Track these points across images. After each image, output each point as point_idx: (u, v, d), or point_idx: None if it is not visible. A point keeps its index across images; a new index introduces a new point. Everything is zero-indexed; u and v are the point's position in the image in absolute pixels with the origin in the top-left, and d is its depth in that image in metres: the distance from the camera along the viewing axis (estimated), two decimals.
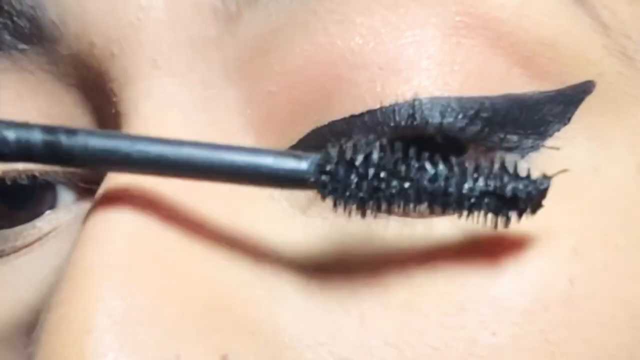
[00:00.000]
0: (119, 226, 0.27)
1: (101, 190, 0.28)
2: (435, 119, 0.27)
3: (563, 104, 0.29)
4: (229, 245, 0.28)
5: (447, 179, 0.26)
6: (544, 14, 0.29)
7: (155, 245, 0.27)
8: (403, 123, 0.27)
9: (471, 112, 0.28)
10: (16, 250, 0.31)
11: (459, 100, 0.28)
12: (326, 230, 0.28)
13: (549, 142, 0.28)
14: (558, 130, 0.28)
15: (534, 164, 0.28)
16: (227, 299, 0.27)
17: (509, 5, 0.28)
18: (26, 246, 0.31)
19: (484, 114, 0.28)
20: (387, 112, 0.28)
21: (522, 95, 0.28)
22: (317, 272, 0.28)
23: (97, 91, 0.30)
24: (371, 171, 0.26)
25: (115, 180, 0.28)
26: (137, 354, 0.25)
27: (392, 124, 0.27)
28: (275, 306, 0.27)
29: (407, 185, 0.26)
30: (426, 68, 0.28)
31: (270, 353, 0.27)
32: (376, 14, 0.28)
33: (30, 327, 0.29)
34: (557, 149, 0.28)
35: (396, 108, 0.27)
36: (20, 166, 0.30)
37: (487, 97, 0.28)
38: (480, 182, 0.26)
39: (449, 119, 0.27)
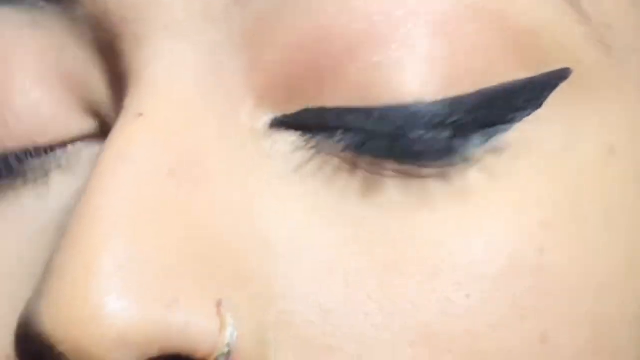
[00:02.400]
0: (128, 173, 0.29)
1: (112, 135, 0.30)
2: (411, 131, 0.30)
3: (537, 90, 0.31)
4: (228, 199, 0.30)
5: None
6: (530, 2, 0.31)
7: (160, 194, 0.29)
8: (386, 130, 0.30)
9: (437, 119, 0.30)
10: (32, 182, 0.33)
11: (432, 105, 0.30)
12: (317, 189, 0.30)
13: (518, 125, 0.31)
14: (529, 114, 0.31)
15: (504, 141, 0.30)
16: (224, 249, 0.29)
17: None
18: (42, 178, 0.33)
19: (453, 118, 0.30)
20: (376, 114, 0.30)
21: (495, 89, 0.30)
22: (307, 230, 0.30)
23: (111, 51, 0.31)
24: None
25: (127, 126, 0.30)
26: (139, 295, 0.27)
27: (376, 128, 0.30)
28: (267, 259, 0.29)
29: None
30: (417, 61, 0.30)
31: (262, 301, 0.29)
32: (375, 2, 0.30)
33: (32, 261, 0.31)
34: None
35: (380, 111, 0.30)
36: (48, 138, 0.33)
37: (460, 98, 0.30)
38: None
39: (419, 132, 0.30)
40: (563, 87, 0.31)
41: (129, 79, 0.31)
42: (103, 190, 0.29)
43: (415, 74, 0.30)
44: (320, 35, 0.30)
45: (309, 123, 0.30)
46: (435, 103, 0.30)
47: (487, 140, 0.30)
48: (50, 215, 0.32)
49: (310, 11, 0.30)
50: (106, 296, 0.27)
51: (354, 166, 0.30)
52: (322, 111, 0.30)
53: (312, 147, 0.30)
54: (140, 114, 0.30)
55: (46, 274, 0.28)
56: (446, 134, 0.30)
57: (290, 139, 0.31)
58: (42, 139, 0.33)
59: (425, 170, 0.30)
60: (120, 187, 0.29)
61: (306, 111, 0.30)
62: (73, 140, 0.33)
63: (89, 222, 0.28)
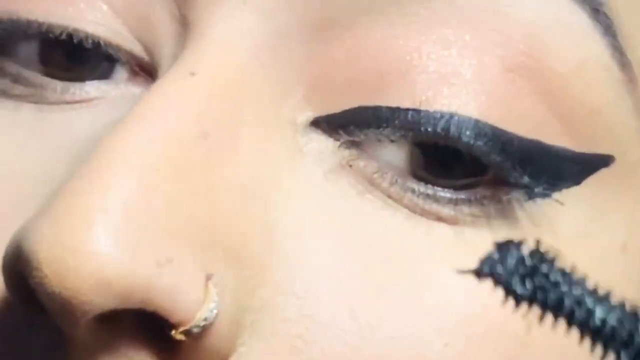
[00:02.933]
0: (162, 125, 0.29)
1: (159, 84, 0.30)
2: (468, 137, 0.30)
3: (581, 167, 0.31)
4: (249, 178, 0.30)
5: None
6: (596, 81, 0.31)
7: (187, 153, 0.29)
8: (439, 130, 0.30)
9: (500, 144, 0.30)
10: (60, 102, 0.33)
11: (494, 129, 0.30)
12: (337, 199, 0.30)
13: (557, 195, 0.31)
14: (568, 187, 0.31)
15: (534, 209, 0.31)
16: (229, 225, 0.29)
17: (570, 62, 0.31)
18: (68, 102, 0.33)
19: (511, 149, 0.30)
20: (430, 115, 0.30)
21: (549, 146, 0.31)
22: (314, 234, 0.30)
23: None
24: None
25: (176, 81, 0.30)
26: (137, 244, 0.27)
27: (429, 128, 0.30)
28: (267, 249, 0.29)
29: None
30: (477, 91, 0.30)
31: (250, 285, 0.29)
32: (452, 27, 0.30)
33: (50, 181, 0.31)
34: (562, 204, 0.31)
35: (438, 115, 0.30)
36: (90, 29, 0.32)
37: (519, 137, 0.30)
38: None
39: (479, 142, 0.30)
40: (604, 172, 0.31)
41: (192, 34, 0.31)
42: (133, 132, 0.28)
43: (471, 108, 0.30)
44: (393, 45, 0.30)
45: (355, 124, 0.30)
46: (486, 125, 0.30)
47: (525, 198, 0.30)
48: (77, 141, 0.32)
49: (390, 21, 0.30)
50: (104, 234, 0.27)
51: (377, 185, 0.30)
52: (377, 110, 0.30)
53: (347, 156, 0.31)
54: (193, 73, 0.30)
55: (53, 196, 0.28)
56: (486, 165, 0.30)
57: (327, 141, 0.31)
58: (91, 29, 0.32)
59: (442, 195, 0.30)
60: (151, 135, 0.28)
61: (357, 110, 0.30)
62: (115, 59, 0.33)
63: (109, 157, 0.28)
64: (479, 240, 0.30)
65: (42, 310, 0.28)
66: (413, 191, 0.30)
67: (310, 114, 0.31)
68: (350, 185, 0.31)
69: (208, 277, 0.28)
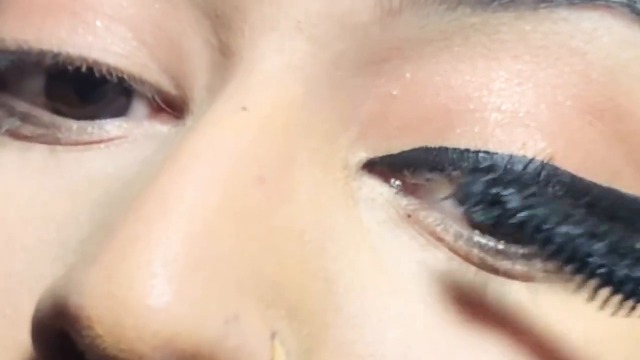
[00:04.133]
0: (218, 167, 0.26)
1: (207, 121, 0.27)
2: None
3: None
4: (306, 226, 0.27)
5: None
6: None
7: (246, 199, 0.26)
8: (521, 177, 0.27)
9: (579, 194, 0.28)
10: (76, 144, 0.30)
11: (573, 177, 0.28)
12: (395, 252, 0.28)
13: None
14: None
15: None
16: (291, 279, 0.26)
17: None
18: (86, 143, 0.30)
19: (587, 199, 0.28)
20: (505, 160, 0.27)
21: (627, 194, 0.28)
22: (375, 290, 0.27)
23: (224, 24, 0.29)
24: None
25: (227, 116, 0.27)
26: (203, 301, 0.24)
27: (509, 176, 0.27)
28: (329, 305, 0.27)
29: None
30: (555, 134, 0.28)
31: (309, 347, 0.26)
32: (525, 62, 0.28)
33: (72, 226, 0.28)
34: None
35: (514, 159, 0.27)
36: (112, 61, 0.29)
37: (598, 186, 0.28)
38: None
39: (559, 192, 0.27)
40: None
41: (237, 67, 0.28)
42: (190, 172, 0.25)
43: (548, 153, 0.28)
44: (459, 81, 0.28)
45: (416, 167, 0.28)
46: (565, 173, 0.28)
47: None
48: (98, 182, 0.29)
49: (454, 54, 0.28)
50: (167, 287, 0.24)
51: (441, 239, 0.28)
52: (442, 151, 0.28)
53: (405, 205, 0.28)
54: (245, 108, 0.27)
55: (102, 243, 0.25)
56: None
57: (381, 188, 0.28)
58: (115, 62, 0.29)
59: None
60: (210, 176, 0.26)
61: (419, 151, 0.28)
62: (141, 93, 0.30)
63: (166, 199, 0.25)
64: (554, 298, 0.28)
65: None
66: (481, 247, 0.28)
67: (363, 155, 0.28)
68: (410, 238, 0.28)
69: (273, 336, 0.25)
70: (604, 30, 0.28)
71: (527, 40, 0.28)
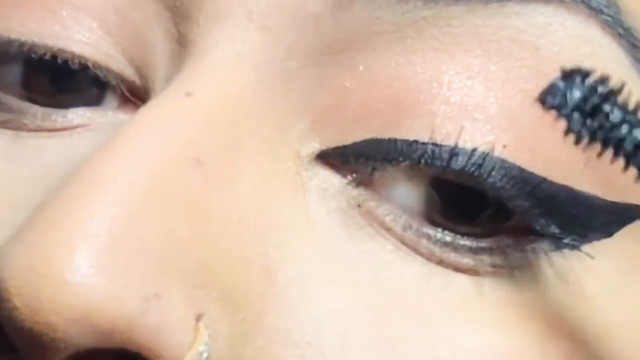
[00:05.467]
0: (153, 149, 0.26)
1: (151, 105, 0.27)
2: (494, 178, 0.27)
3: (614, 217, 0.28)
4: (246, 213, 0.27)
5: None
6: None
7: (179, 181, 0.26)
8: (465, 168, 0.27)
9: (529, 187, 0.27)
10: (39, 129, 0.30)
11: (522, 171, 0.27)
12: (342, 240, 0.28)
13: (586, 247, 0.28)
14: (598, 239, 0.28)
15: (561, 260, 0.28)
16: (225, 263, 0.26)
17: None
18: (50, 130, 0.30)
19: (539, 194, 0.27)
20: (453, 152, 0.27)
21: (580, 193, 0.28)
22: (317, 278, 0.27)
23: (182, 14, 0.29)
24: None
25: (170, 101, 0.27)
26: (122, 277, 0.24)
27: (453, 166, 0.27)
28: (266, 291, 0.27)
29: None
30: (503, 128, 0.28)
31: (244, 330, 0.26)
32: (475, 56, 0.28)
33: (25, 211, 0.28)
34: (592, 257, 0.28)
35: (460, 151, 0.27)
36: (77, 49, 0.30)
37: (548, 181, 0.27)
38: None
39: (505, 184, 0.27)
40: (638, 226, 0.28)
41: (190, 56, 0.28)
42: (121, 154, 0.26)
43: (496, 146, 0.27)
44: (411, 73, 0.28)
45: (366, 158, 0.28)
46: (513, 166, 0.27)
47: (552, 249, 0.28)
48: (55, 168, 0.29)
49: (406, 46, 0.28)
50: (86, 262, 0.24)
51: (389, 229, 0.28)
52: (391, 142, 0.28)
53: (356, 195, 0.28)
54: (190, 94, 0.27)
55: (29, 220, 0.25)
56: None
57: (333, 177, 0.28)
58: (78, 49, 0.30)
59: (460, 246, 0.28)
60: (141, 158, 0.26)
61: (369, 142, 0.28)
62: (104, 80, 0.30)
63: (94, 180, 0.25)
64: (500, 293, 0.28)
65: (12, 349, 0.25)
66: (429, 238, 0.28)
67: (316, 146, 0.28)
68: (359, 228, 0.28)
69: (198, 318, 0.25)
70: (557, 25, 0.28)
71: (478, 34, 0.28)
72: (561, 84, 0.24)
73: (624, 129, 0.24)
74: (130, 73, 0.30)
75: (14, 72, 0.31)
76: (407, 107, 0.28)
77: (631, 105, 0.24)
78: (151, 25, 0.30)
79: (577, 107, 0.24)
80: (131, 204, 0.25)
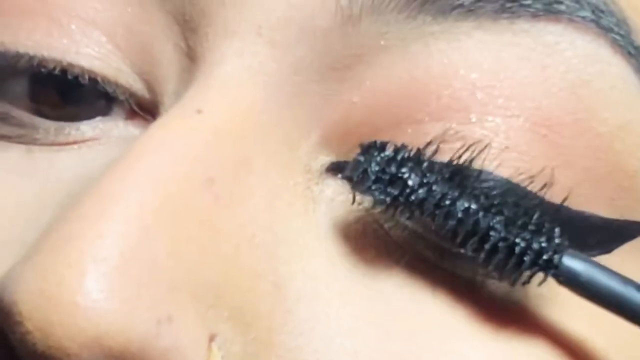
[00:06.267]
0: (165, 168, 0.26)
1: (162, 122, 0.27)
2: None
3: (613, 234, 0.29)
4: (257, 231, 0.27)
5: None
6: (638, 145, 0.29)
7: (191, 201, 0.26)
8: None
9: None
10: (52, 144, 0.30)
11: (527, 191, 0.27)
12: (352, 256, 0.28)
13: None
14: (596, 256, 0.28)
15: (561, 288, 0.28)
16: (236, 282, 0.26)
17: (611, 122, 0.28)
18: (62, 144, 0.30)
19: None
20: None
21: (578, 212, 0.28)
22: (328, 295, 0.27)
23: (191, 28, 0.29)
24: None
25: (180, 119, 0.27)
26: (133, 299, 0.24)
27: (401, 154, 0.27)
28: (277, 309, 0.27)
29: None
30: (507, 147, 0.28)
31: (256, 349, 0.26)
32: (481, 72, 0.28)
33: (34, 227, 0.28)
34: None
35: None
36: (86, 63, 0.30)
37: (545, 202, 0.28)
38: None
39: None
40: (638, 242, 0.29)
41: (199, 70, 0.28)
42: (132, 173, 0.26)
43: (496, 159, 0.28)
44: (415, 88, 0.28)
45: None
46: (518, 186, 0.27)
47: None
48: (68, 183, 0.29)
49: (412, 62, 0.28)
50: (97, 286, 0.24)
51: (398, 244, 0.28)
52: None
53: (363, 207, 0.28)
54: (200, 111, 0.27)
55: (39, 241, 0.25)
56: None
57: (341, 190, 0.28)
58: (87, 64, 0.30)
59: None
60: (152, 177, 0.26)
61: None
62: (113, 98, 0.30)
63: (104, 199, 0.25)
64: (503, 304, 0.28)
65: None
66: (435, 249, 0.28)
67: (326, 159, 0.29)
68: (368, 250, 0.28)
69: (211, 338, 0.26)
70: (566, 44, 0.28)
71: (485, 50, 0.28)
72: (361, 159, 0.26)
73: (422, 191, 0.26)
74: (139, 87, 0.30)
75: (22, 85, 0.31)
76: (406, 123, 0.28)
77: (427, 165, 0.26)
78: (160, 40, 0.30)
79: (377, 179, 0.26)
80: (142, 224, 0.25)
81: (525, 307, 0.28)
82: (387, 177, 0.26)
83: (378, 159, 0.26)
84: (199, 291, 0.26)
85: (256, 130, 0.28)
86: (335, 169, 0.28)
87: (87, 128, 0.30)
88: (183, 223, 0.26)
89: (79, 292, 0.24)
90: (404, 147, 0.26)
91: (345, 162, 0.28)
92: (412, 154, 0.27)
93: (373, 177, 0.26)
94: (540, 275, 0.26)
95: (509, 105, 0.28)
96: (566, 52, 0.28)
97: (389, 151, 0.26)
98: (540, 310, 0.28)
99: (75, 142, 0.30)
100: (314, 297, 0.27)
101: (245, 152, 0.27)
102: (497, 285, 0.28)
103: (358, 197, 0.28)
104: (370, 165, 0.26)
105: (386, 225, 0.28)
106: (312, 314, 0.27)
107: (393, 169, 0.26)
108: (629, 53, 0.28)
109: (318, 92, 0.28)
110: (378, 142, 0.27)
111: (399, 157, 0.26)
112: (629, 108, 0.28)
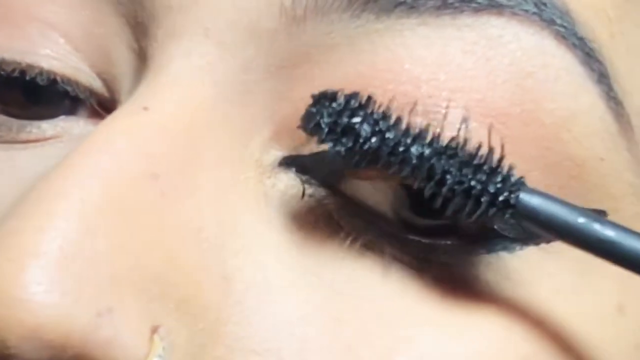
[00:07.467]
0: (109, 163, 0.26)
1: (108, 120, 0.28)
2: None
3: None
4: (204, 224, 0.27)
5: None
6: (587, 134, 0.29)
7: (135, 195, 0.26)
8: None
9: None
10: (13, 141, 0.31)
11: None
12: (302, 246, 0.28)
13: (531, 249, 0.29)
14: (548, 242, 0.29)
15: (517, 263, 0.28)
16: (181, 275, 0.27)
17: (558, 113, 0.28)
18: (23, 142, 0.31)
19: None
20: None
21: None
22: (276, 286, 0.28)
23: (142, 30, 0.30)
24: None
25: (127, 116, 0.27)
26: (73, 291, 0.25)
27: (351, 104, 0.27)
28: (224, 302, 0.27)
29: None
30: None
31: (202, 341, 0.26)
32: (426, 66, 0.28)
33: None
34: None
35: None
36: (45, 64, 0.30)
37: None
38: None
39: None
40: None
41: (149, 70, 0.29)
42: (74, 170, 0.26)
43: None
44: (361, 84, 0.28)
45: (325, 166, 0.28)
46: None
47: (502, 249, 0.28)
48: (25, 181, 0.29)
49: (359, 59, 0.28)
50: (36, 279, 0.24)
51: (349, 232, 0.28)
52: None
53: (315, 199, 0.28)
54: (146, 108, 0.28)
55: None
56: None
57: (293, 183, 0.29)
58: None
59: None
60: (94, 173, 0.26)
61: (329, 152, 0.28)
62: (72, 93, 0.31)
63: (46, 196, 0.26)
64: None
65: None
66: (389, 236, 0.28)
67: (278, 154, 0.29)
68: (318, 236, 0.28)
69: (154, 330, 0.26)
70: (510, 36, 0.28)
71: (430, 46, 0.28)
72: (313, 110, 0.27)
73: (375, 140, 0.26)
74: (99, 86, 0.31)
75: None
76: None
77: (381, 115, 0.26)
78: (115, 41, 0.30)
79: (330, 130, 0.26)
80: (83, 219, 0.25)
81: (477, 282, 0.28)
82: (339, 128, 0.26)
83: (330, 109, 0.26)
84: (142, 284, 0.26)
85: (205, 127, 0.28)
86: (289, 163, 0.29)
87: (48, 126, 0.31)
88: (126, 218, 0.26)
89: (17, 285, 0.24)
90: (355, 94, 0.27)
91: (297, 156, 0.29)
92: (363, 100, 0.27)
93: (326, 129, 0.26)
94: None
95: (454, 97, 0.28)
96: (510, 44, 0.28)
97: (340, 100, 0.27)
98: (493, 286, 0.28)
99: (37, 140, 0.31)
100: (263, 287, 0.27)
101: (194, 148, 0.28)
102: (447, 265, 0.28)
103: (309, 190, 0.28)
104: (322, 116, 0.26)
105: (336, 215, 0.28)
106: (261, 304, 0.27)
107: (345, 119, 0.26)
108: (574, 44, 0.29)
109: (268, 89, 0.29)
110: (329, 91, 0.27)
111: (350, 106, 0.27)
112: (575, 99, 0.29)
